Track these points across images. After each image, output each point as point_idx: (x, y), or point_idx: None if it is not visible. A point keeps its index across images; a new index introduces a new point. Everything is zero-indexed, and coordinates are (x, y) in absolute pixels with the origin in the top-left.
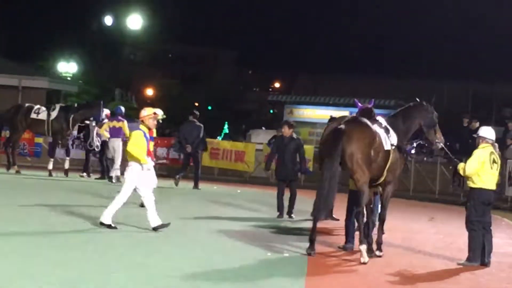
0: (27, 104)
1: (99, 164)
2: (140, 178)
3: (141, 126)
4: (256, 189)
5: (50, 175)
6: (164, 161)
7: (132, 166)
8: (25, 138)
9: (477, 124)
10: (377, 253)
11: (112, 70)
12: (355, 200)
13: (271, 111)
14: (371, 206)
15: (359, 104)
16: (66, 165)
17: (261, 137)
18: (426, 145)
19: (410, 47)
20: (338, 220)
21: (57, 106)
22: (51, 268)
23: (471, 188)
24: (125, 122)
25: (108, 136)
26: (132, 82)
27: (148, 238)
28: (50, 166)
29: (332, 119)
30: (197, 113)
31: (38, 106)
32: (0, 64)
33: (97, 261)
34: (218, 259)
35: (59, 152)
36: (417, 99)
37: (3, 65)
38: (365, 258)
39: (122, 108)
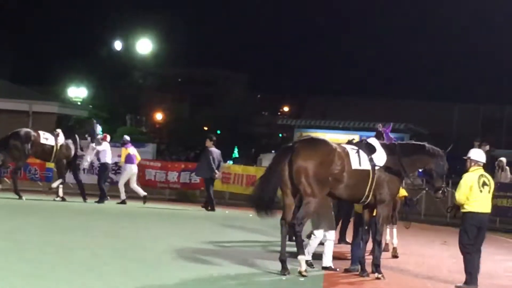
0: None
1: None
2: None
3: None
4: None
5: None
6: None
7: None
8: (36, 163)
9: (487, 147)
10: (376, 275)
11: (121, 95)
12: (360, 223)
13: (281, 135)
14: (365, 226)
15: (380, 128)
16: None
17: None
18: (427, 189)
19: (421, 70)
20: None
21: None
22: None
23: (463, 212)
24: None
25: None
26: (142, 106)
27: (165, 261)
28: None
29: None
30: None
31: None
32: (10, 89)
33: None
34: (235, 282)
35: (69, 176)
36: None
37: (14, 90)
38: (301, 267)
39: (127, 137)
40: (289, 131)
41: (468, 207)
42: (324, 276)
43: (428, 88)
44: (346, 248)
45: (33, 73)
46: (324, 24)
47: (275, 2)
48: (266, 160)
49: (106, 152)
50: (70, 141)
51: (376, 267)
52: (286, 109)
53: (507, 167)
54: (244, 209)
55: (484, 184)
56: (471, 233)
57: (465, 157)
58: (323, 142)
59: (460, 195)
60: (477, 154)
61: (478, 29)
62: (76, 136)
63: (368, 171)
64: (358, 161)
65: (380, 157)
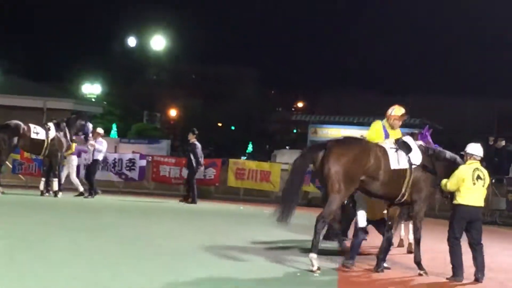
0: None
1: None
2: None
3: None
4: None
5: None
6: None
7: None
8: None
9: (503, 143)
10: (419, 272)
11: (135, 91)
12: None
13: (295, 131)
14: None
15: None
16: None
17: (286, 157)
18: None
19: (434, 65)
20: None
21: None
22: None
23: (454, 204)
24: None
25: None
26: (156, 103)
27: (180, 259)
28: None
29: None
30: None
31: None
32: (25, 85)
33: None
34: (249, 280)
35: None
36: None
37: (29, 87)
38: (313, 266)
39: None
40: (303, 127)
41: (460, 200)
42: (338, 273)
43: (441, 83)
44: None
45: (48, 70)
46: (337, 18)
47: None
48: (281, 156)
49: (103, 149)
50: (61, 135)
51: (418, 264)
52: (300, 105)
53: None
54: (259, 205)
55: (478, 177)
56: (459, 226)
57: (462, 152)
58: (357, 141)
59: (451, 185)
60: (474, 148)
61: (492, 24)
62: (67, 130)
63: (406, 169)
64: (397, 160)
65: (417, 156)
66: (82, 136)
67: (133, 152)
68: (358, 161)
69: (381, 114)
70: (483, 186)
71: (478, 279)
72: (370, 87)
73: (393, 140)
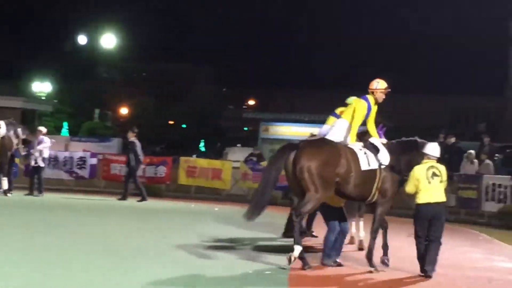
0: None
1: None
2: None
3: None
4: (234, 207)
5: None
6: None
7: None
8: None
9: (453, 139)
10: (369, 268)
11: (86, 89)
12: (332, 217)
13: (246, 129)
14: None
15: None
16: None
17: (238, 155)
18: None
19: (387, 62)
20: (317, 237)
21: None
22: None
23: (415, 204)
24: None
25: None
26: (107, 101)
27: (132, 257)
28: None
29: (312, 136)
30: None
31: None
32: None
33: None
34: (200, 277)
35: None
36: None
37: None
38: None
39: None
40: (255, 125)
41: (418, 199)
42: (289, 275)
43: (394, 80)
44: (313, 241)
45: None
46: (289, 17)
47: None
48: (232, 153)
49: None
50: (11, 133)
51: (369, 260)
52: (251, 102)
53: (476, 160)
54: (210, 202)
55: (434, 174)
56: (421, 224)
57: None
58: (328, 143)
59: (408, 188)
60: (430, 148)
61: (441, 22)
62: (19, 129)
63: (375, 170)
64: (367, 161)
65: (385, 156)
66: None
67: (84, 150)
68: (331, 163)
69: (331, 111)
70: (441, 182)
71: (427, 271)
72: (321, 85)
73: (361, 143)
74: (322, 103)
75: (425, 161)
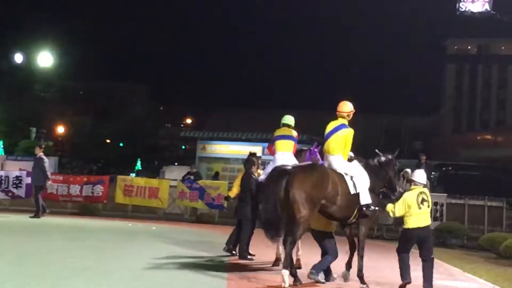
0: None
1: None
2: None
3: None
4: (171, 226)
5: None
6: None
7: None
8: None
9: (389, 157)
10: (360, 285)
11: (22, 108)
12: (327, 240)
13: (184, 147)
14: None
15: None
16: None
17: (175, 173)
18: (385, 191)
19: (320, 81)
20: (254, 255)
21: None
22: None
23: (403, 228)
24: None
25: None
26: (43, 119)
27: (67, 277)
28: None
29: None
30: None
31: None
32: None
33: None
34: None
35: None
36: (386, 155)
37: None
38: (285, 282)
39: None
40: (192, 143)
41: (407, 224)
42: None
43: (327, 99)
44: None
45: None
46: (225, 37)
47: (176, 14)
48: (169, 172)
49: None
50: None
51: (360, 278)
52: (189, 121)
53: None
54: (147, 221)
55: (423, 200)
56: (407, 245)
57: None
58: (318, 167)
59: (399, 211)
60: (417, 175)
61: (378, 40)
62: None
63: (358, 194)
64: (353, 185)
65: (367, 180)
66: None
67: (20, 169)
68: (319, 186)
69: (270, 130)
70: (428, 207)
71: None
72: (257, 104)
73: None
74: (257, 122)
75: (413, 187)
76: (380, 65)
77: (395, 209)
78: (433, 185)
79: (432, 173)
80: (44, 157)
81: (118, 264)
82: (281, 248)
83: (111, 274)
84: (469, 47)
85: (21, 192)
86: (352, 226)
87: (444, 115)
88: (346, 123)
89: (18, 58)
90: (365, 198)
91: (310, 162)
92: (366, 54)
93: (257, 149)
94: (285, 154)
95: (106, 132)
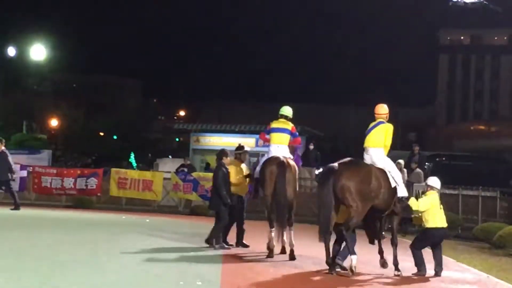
0: None
1: None
2: None
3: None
4: (165, 218)
5: None
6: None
7: None
8: None
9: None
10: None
11: (15, 102)
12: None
13: (177, 140)
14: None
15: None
16: None
17: (168, 166)
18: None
19: (313, 74)
20: (248, 246)
21: None
22: None
23: (426, 228)
24: None
25: None
26: (37, 113)
27: (60, 270)
28: None
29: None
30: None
31: None
32: None
33: None
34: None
35: None
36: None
37: None
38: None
39: None
40: (185, 136)
41: (429, 223)
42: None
43: (324, 91)
44: (242, 251)
45: None
46: (217, 30)
47: (168, 8)
48: (163, 165)
49: None
50: None
51: (395, 266)
52: (182, 113)
53: (405, 169)
54: (141, 214)
55: (440, 203)
56: (423, 245)
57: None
58: (361, 163)
59: (424, 205)
60: (434, 181)
61: (372, 33)
62: None
63: (395, 187)
64: (393, 179)
65: (400, 174)
66: None
67: (14, 163)
68: (366, 181)
69: (263, 122)
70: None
71: (437, 272)
72: (248, 97)
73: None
74: (249, 114)
75: (430, 191)
76: (373, 57)
77: (420, 203)
78: (427, 176)
79: (426, 164)
80: (6, 151)
81: (112, 257)
82: (273, 239)
83: (105, 266)
84: (462, 38)
85: (14, 185)
86: (384, 218)
87: (437, 106)
88: (384, 122)
89: (11, 51)
90: (403, 191)
91: (350, 158)
92: (359, 45)
93: (250, 141)
94: (280, 147)
95: (100, 125)
